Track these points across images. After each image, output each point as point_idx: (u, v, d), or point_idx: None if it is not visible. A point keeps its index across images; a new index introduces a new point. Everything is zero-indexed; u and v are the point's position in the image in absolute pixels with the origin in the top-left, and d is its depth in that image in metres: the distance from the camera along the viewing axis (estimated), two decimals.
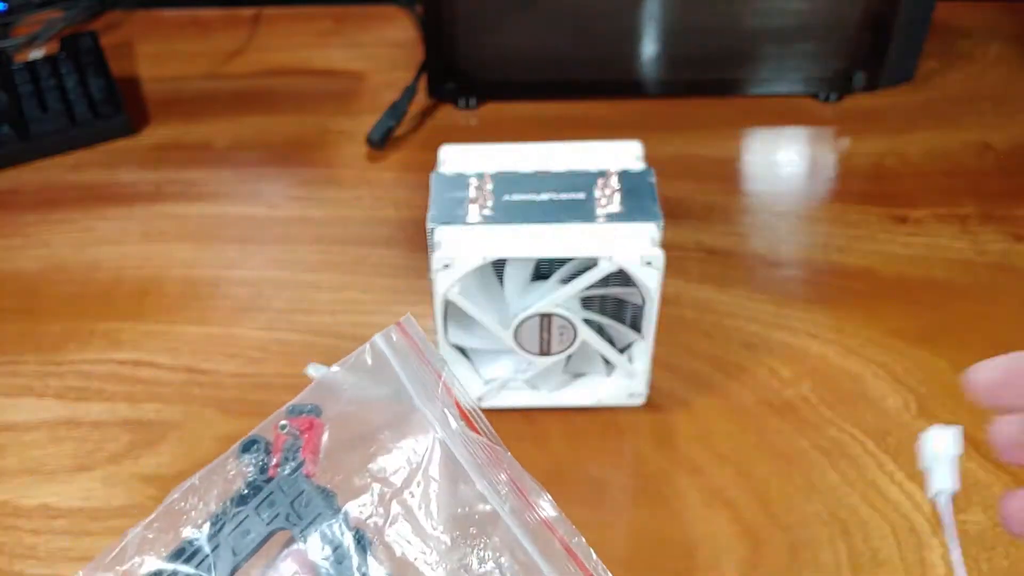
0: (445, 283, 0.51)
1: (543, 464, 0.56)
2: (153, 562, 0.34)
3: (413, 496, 0.34)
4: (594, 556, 0.29)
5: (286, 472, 0.35)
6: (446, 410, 0.34)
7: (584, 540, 0.31)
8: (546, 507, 0.33)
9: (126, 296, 0.67)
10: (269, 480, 0.35)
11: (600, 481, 0.56)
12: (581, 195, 0.53)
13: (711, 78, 0.82)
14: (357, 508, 0.34)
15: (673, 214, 0.69)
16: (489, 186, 0.53)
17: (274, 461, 0.35)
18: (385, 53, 0.88)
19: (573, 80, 0.82)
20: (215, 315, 0.65)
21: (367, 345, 0.35)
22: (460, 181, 0.54)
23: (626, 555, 0.52)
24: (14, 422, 0.59)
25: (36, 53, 0.85)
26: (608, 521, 0.54)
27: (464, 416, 0.35)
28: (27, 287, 0.68)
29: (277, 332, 0.64)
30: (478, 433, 0.34)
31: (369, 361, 0.35)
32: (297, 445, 0.36)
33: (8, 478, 0.56)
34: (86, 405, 0.60)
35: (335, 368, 0.36)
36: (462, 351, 0.57)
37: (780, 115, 0.81)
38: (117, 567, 0.33)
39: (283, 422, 0.36)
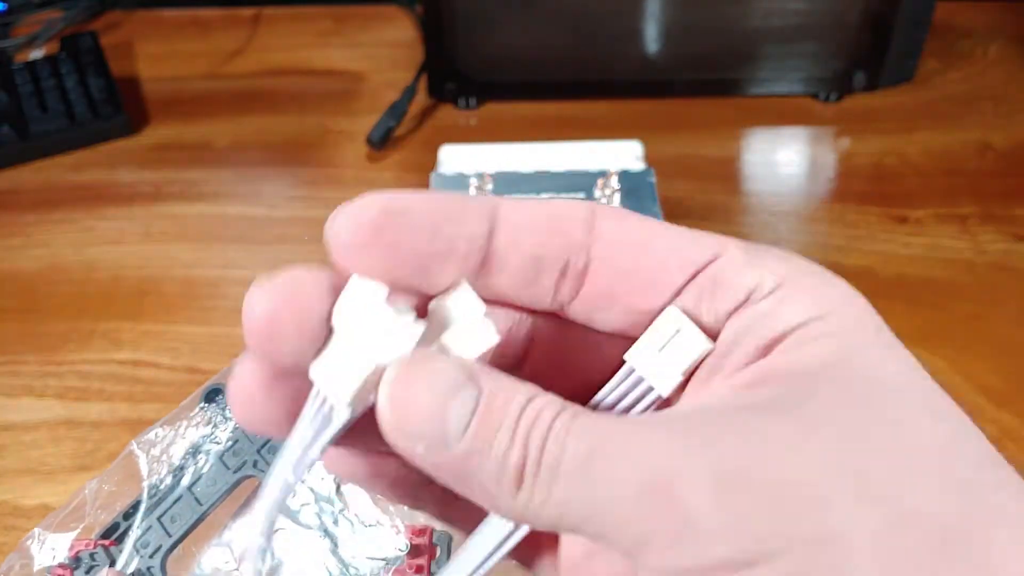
0: None
1: None
2: (110, 515, 0.33)
3: None
4: None
5: None
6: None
7: None
8: None
9: (126, 296, 0.67)
10: (234, 428, 0.35)
11: None
12: (581, 195, 0.53)
13: (711, 78, 0.82)
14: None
15: (673, 214, 0.69)
16: (489, 186, 0.53)
17: None
18: (385, 53, 0.88)
19: (573, 80, 0.82)
20: (215, 315, 0.65)
21: None
22: (460, 181, 0.54)
23: None
24: (14, 422, 0.59)
25: (36, 53, 0.85)
26: None
27: None
28: (27, 287, 0.68)
29: None
30: None
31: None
32: None
33: (8, 478, 0.56)
34: (86, 405, 0.60)
35: None
36: None
37: (780, 115, 0.81)
38: (73, 522, 0.32)
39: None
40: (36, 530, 0.32)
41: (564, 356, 0.21)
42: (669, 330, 0.19)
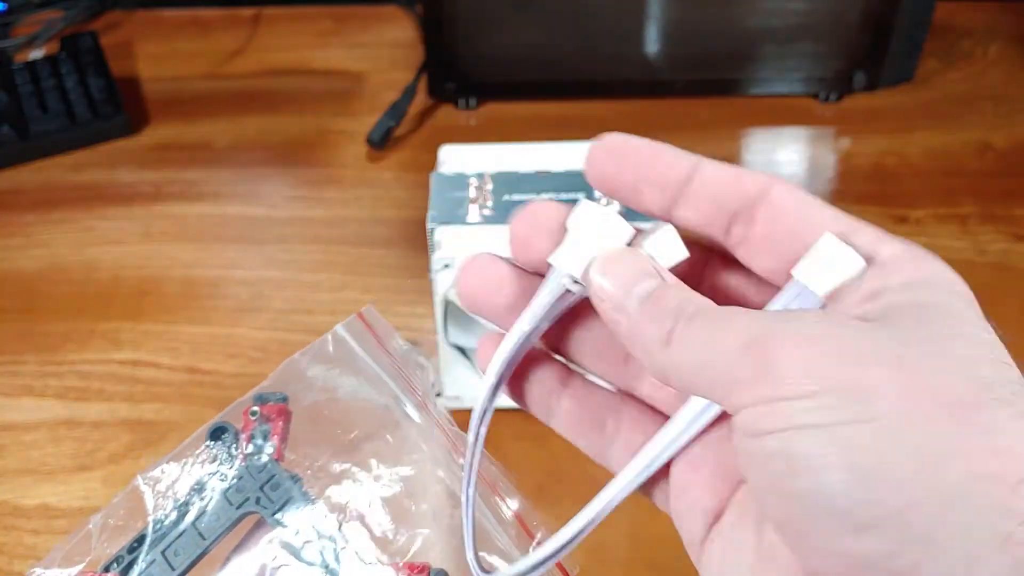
0: (445, 283, 0.51)
1: (543, 464, 0.56)
2: (115, 549, 0.34)
3: (392, 482, 0.34)
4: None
5: (256, 458, 0.35)
6: (424, 399, 0.35)
7: (544, 531, 0.32)
8: (509, 501, 0.33)
9: (126, 296, 0.67)
10: (239, 466, 0.35)
11: (600, 481, 0.56)
12: (581, 195, 0.53)
13: (711, 78, 0.82)
14: (338, 492, 0.34)
15: None
16: (489, 186, 0.53)
17: (244, 447, 0.36)
18: (385, 53, 0.88)
19: (573, 80, 0.82)
20: (215, 315, 0.65)
21: (328, 334, 0.36)
22: (460, 181, 0.54)
23: (626, 555, 0.52)
24: (14, 422, 0.59)
25: (36, 53, 0.85)
26: (608, 520, 0.54)
27: (424, 407, 0.35)
28: (27, 287, 0.68)
29: (277, 332, 0.64)
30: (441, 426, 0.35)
31: (331, 349, 0.36)
32: (266, 431, 0.36)
33: (8, 478, 0.56)
34: (86, 405, 0.60)
35: (297, 355, 0.36)
36: (462, 351, 0.57)
37: (780, 115, 0.81)
38: (78, 556, 0.33)
39: (254, 408, 0.36)
40: (38, 568, 0.33)
41: (726, 293, 0.28)
42: (826, 252, 0.24)
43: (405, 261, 0.69)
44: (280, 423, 0.36)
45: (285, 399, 0.37)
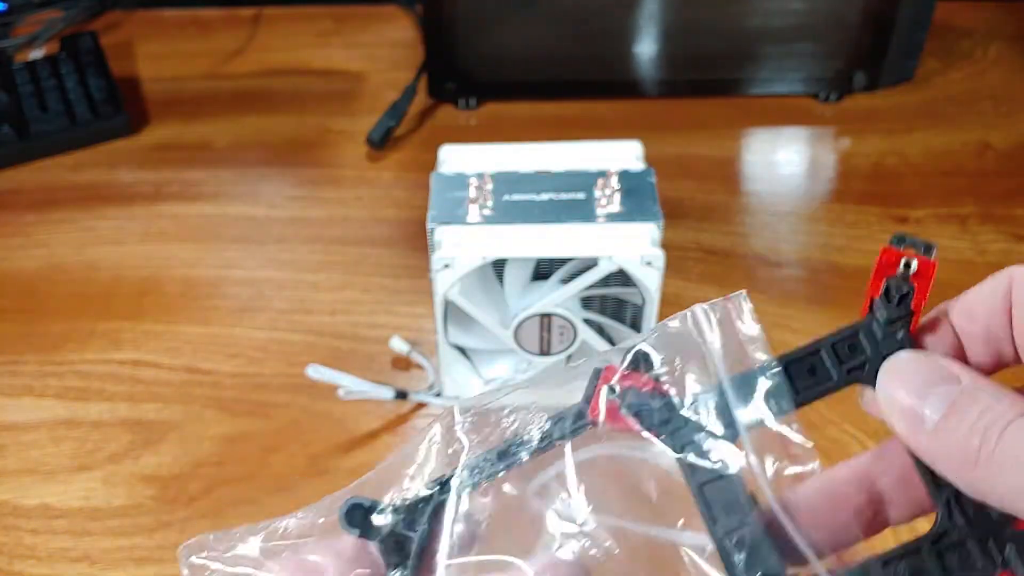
0: (445, 283, 0.51)
1: None
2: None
3: None
4: None
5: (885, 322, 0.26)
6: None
7: None
8: None
9: (126, 296, 0.67)
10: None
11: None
12: (581, 195, 0.53)
13: (711, 78, 0.82)
14: None
15: (673, 214, 0.69)
16: (489, 186, 0.53)
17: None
18: (385, 53, 0.88)
19: (573, 80, 0.82)
20: (215, 315, 0.65)
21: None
22: (460, 181, 0.54)
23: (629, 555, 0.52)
24: (14, 422, 0.59)
25: (36, 53, 0.85)
26: None
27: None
28: (27, 287, 0.68)
29: (277, 332, 0.64)
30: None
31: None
32: (907, 290, 0.26)
33: (8, 478, 0.56)
34: (86, 405, 0.60)
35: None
36: (462, 351, 0.57)
37: (780, 115, 0.81)
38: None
39: (904, 237, 0.25)
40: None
41: None
42: None
43: (405, 261, 0.69)
44: (922, 285, 0.26)
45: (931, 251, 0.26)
